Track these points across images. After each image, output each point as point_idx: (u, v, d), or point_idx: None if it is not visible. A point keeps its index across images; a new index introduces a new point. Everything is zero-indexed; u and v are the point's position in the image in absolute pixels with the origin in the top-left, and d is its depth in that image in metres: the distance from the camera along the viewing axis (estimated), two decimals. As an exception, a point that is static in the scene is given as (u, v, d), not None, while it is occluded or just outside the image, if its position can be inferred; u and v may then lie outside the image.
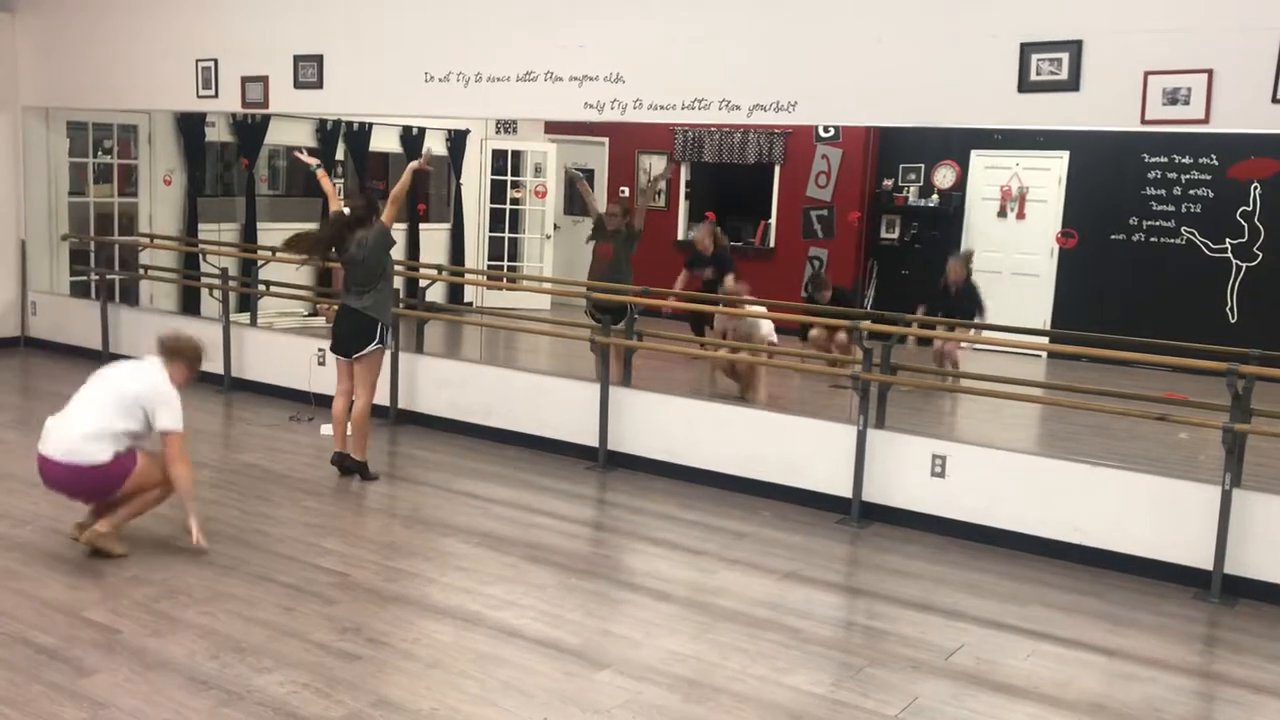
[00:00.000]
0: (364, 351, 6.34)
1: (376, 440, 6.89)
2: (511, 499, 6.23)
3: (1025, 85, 5.50)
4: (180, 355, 5.06)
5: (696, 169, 13.28)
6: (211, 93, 8.50)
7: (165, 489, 4.95)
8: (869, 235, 12.12)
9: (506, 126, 13.17)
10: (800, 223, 12.35)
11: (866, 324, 6.49)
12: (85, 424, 4.76)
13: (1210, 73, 5.06)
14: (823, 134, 12.04)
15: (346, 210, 6.36)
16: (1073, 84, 5.39)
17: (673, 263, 12.72)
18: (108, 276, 9.72)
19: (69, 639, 4.14)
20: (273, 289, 9.25)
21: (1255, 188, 10.36)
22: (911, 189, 12.05)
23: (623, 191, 12.87)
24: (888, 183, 12.10)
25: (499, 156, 13.15)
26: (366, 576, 4.93)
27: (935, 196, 11.84)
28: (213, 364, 8.59)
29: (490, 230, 13.17)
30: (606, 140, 13.47)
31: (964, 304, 9.19)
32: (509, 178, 13.22)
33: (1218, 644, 4.72)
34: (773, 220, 12.62)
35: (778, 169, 12.53)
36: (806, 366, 8.16)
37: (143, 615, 4.37)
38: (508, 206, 13.21)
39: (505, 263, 13.32)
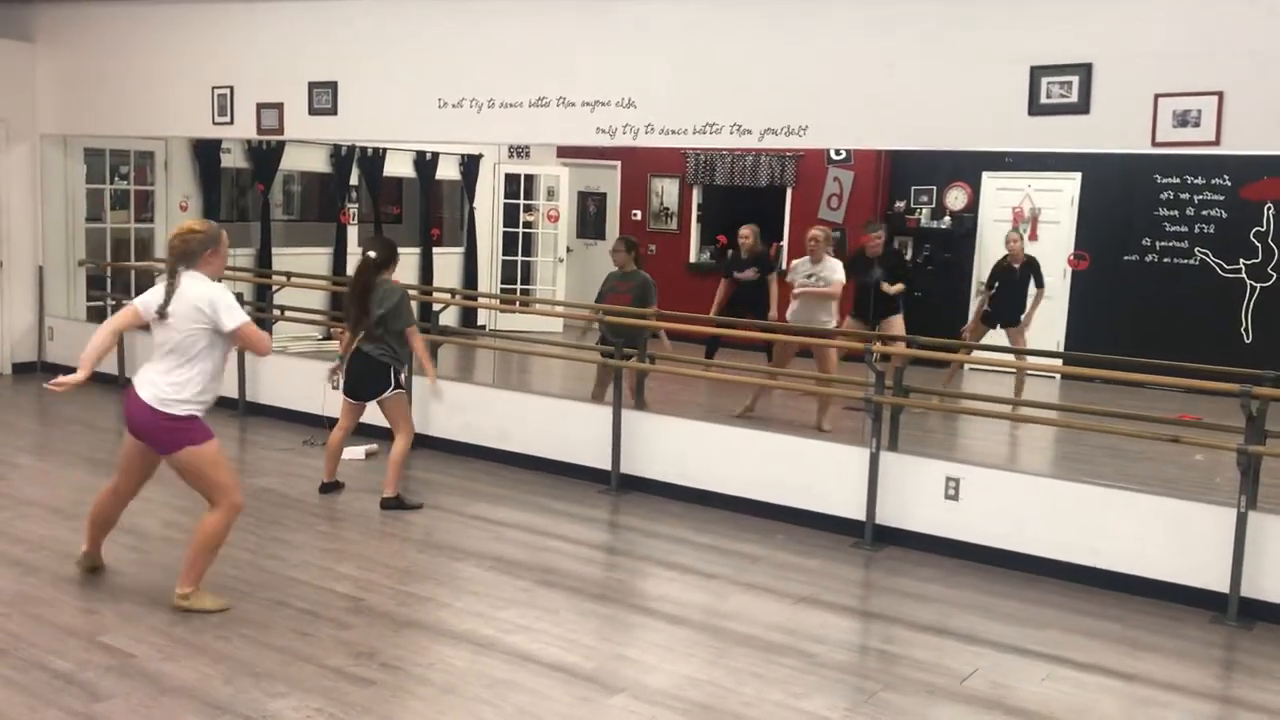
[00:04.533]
0: (381, 398, 6.36)
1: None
2: (525, 523, 6.24)
3: (1036, 108, 5.52)
4: (201, 245, 4.62)
5: (708, 191, 13.32)
6: (227, 119, 8.58)
7: (227, 512, 4.72)
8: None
9: (519, 151, 13.25)
10: (813, 245, 12.34)
11: (879, 346, 6.49)
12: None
13: (1220, 95, 5.06)
14: (834, 156, 12.07)
15: (372, 254, 6.36)
16: (1083, 107, 5.41)
17: (686, 286, 12.80)
18: (124, 302, 9.77)
19: (84, 664, 4.16)
20: (287, 314, 9.30)
21: (1269, 208, 10.34)
22: (923, 211, 12.06)
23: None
24: (900, 205, 12.12)
25: (512, 180, 13.23)
26: (381, 601, 4.94)
27: (947, 218, 11.85)
28: (228, 389, 8.69)
29: (503, 254, 13.23)
30: (619, 164, 13.54)
31: (1026, 283, 9.42)
32: (522, 201, 13.28)
33: (1235, 668, 4.69)
34: (785, 242, 12.63)
35: (790, 191, 12.57)
36: (820, 389, 8.15)
37: (158, 640, 4.38)
38: (520, 230, 13.27)
39: (518, 286, 13.37)
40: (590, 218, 14.06)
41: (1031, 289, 9.51)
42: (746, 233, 9.26)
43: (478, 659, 4.35)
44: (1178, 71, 5.17)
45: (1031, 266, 9.49)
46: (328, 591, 5.02)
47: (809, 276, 8.32)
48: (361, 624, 4.65)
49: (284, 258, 10.97)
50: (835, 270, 8.28)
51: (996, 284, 9.46)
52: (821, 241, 8.33)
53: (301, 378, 8.35)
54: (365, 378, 6.36)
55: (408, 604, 4.93)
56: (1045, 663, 4.57)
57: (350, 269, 11.59)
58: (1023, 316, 9.43)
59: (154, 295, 4.59)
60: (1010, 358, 9.31)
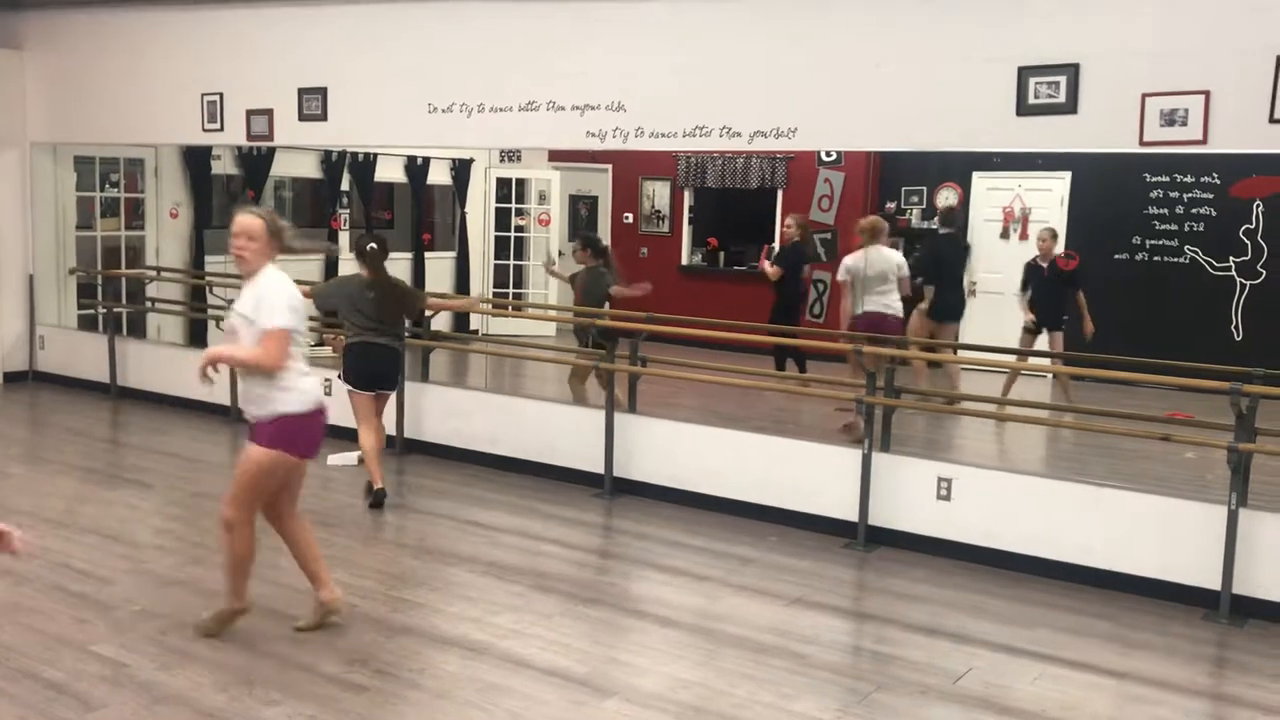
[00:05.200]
0: (392, 387, 6.72)
1: (384, 470, 6.89)
2: (518, 527, 6.24)
3: (1024, 109, 5.54)
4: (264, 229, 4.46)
5: (699, 194, 13.34)
6: (217, 126, 8.58)
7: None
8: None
9: (510, 155, 13.25)
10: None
11: (868, 348, 6.49)
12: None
13: (1207, 94, 5.08)
14: (825, 158, 12.09)
15: (374, 245, 6.49)
16: (1071, 107, 5.42)
17: (678, 288, 12.80)
18: (115, 310, 9.79)
19: (76, 673, 4.15)
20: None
21: (1258, 206, 10.37)
22: (914, 211, 12.08)
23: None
24: (890, 205, 12.14)
25: (503, 185, 13.23)
26: (374, 607, 4.93)
27: (938, 219, 11.85)
28: (219, 395, 8.68)
29: (495, 258, 13.23)
30: (610, 167, 13.55)
31: (1061, 285, 9.00)
32: (513, 205, 13.28)
33: (1227, 665, 4.71)
34: (776, 244, 12.63)
35: (780, 193, 12.58)
36: (804, 390, 8.16)
37: (150, 649, 4.38)
38: (512, 234, 13.27)
39: (510, 290, 13.37)
40: (582, 221, 14.06)
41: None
42: (789, 222, 9.34)
43: (470, 664, 4.35)
44: (1165, 71, 5.19)
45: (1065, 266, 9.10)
46: (320, 598, 5.00)
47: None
48: (354, 630, 4.65)
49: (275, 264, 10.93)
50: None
51: (1030, 286, 9.07)
52: (865, 230, 8.14)
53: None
54: (390, 366, 6.64)
55: (401, 610, 4.92)
56: (1038, 662, 4.58)
57: (342, 272, 11.62)
58: (1065, 319, 9.00)
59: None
60: (1004, 358, 9.31)
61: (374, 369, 6.52)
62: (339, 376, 6.65)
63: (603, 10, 6.89)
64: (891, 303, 7.99)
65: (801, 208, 12.34)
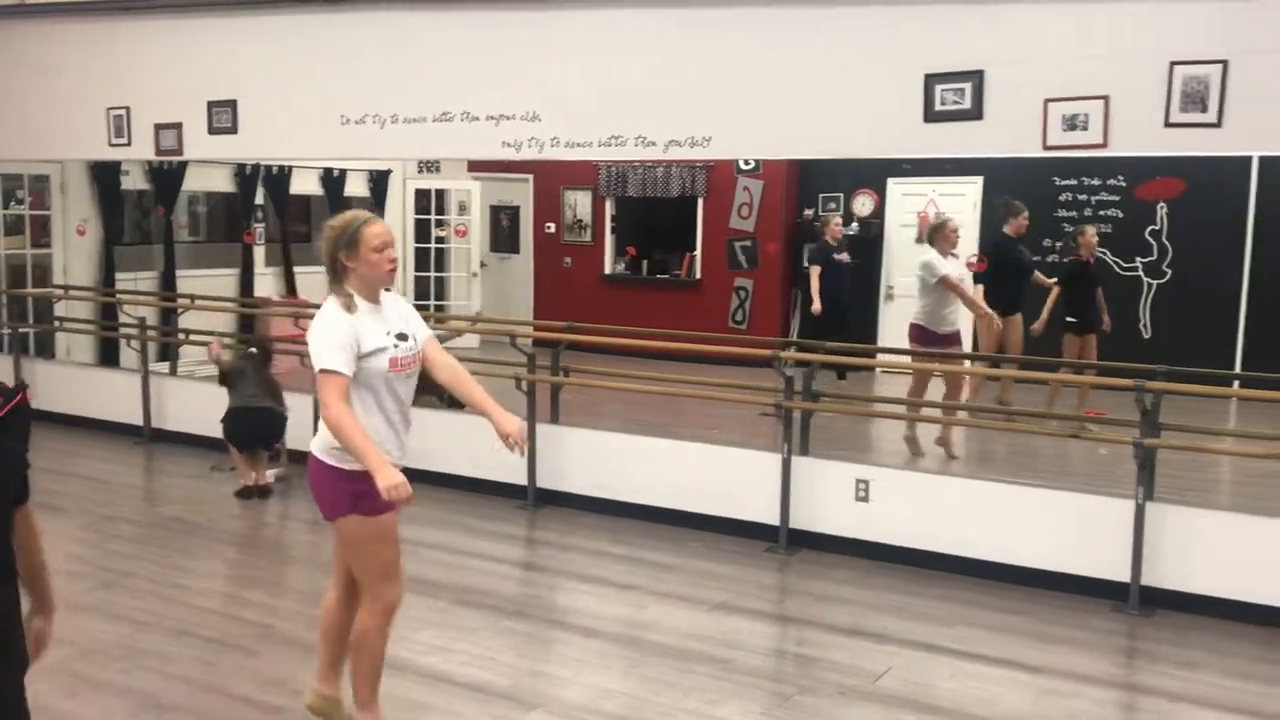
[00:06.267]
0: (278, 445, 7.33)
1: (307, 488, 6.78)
2: (441, 542, 6.18)
3: (931, 115, 5.62)
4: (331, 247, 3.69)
5: (621, 203, 13.36)
6: (124, 141, 8.36)
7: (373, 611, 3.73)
8: (792, 264, 12.27)
9: (429, 166, 13.14)
10: (725, 254, 12.47)
11: (788, 353, 6.55)
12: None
13: (1106, 99, 5.20)
14: (743, 166, 12.18)
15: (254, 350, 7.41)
16: (976, 113, 5.51)
17: (601, 297, 12.81)
18: (21, 330, 9.50)
19: (-20, 706, 4.01)
20: (192, 337, 9.09)
21: (1161, 207, 10.68)
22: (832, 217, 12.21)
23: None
24: (808, 212, 12.27)
25: (422, 196, 13.11)
26: (290, 627, 4.84)
27: (855, 224, 12.02)
28: (132, 415, 8.48)
29: (416, 270, 13.10)
30: (531, 177, 13.51)
31: (1098, 278, 8.91)
32: (433, 216, 13.18)
33: (1137, 655, 4.83)
34: (698, 252, 12.73)
35: (701, 202, 12.65)
36: (733, 397, 8.20)
37: (58, 677, 4.24)
38: (433, 245, 13.16)
39: (432, 302, 13.24)
40: (504, 231, 14.01)
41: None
42: (833, 221, 10.21)
43: (392, 682, 4.27)
44: (1065, 77, 5.29)
45: (1097, 265, 9.05)
46: (235, 619, 4.91)
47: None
48: (270, 651, 4.56)
49: (188, 280, 10.73)
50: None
51: (1080, 285, 8.73)
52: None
53: (207, 403, 8.17)
54: (261, 430, 7.24)
55: (318, 629, 4.83)
56: (956, 659, 4.65)
57: (257, 290, 11.42)
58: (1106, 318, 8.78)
59: None
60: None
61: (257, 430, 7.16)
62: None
63: (516, 21, 6.85)
64: (916, 311, 7.97)
65: (722, 216, 12.46)
